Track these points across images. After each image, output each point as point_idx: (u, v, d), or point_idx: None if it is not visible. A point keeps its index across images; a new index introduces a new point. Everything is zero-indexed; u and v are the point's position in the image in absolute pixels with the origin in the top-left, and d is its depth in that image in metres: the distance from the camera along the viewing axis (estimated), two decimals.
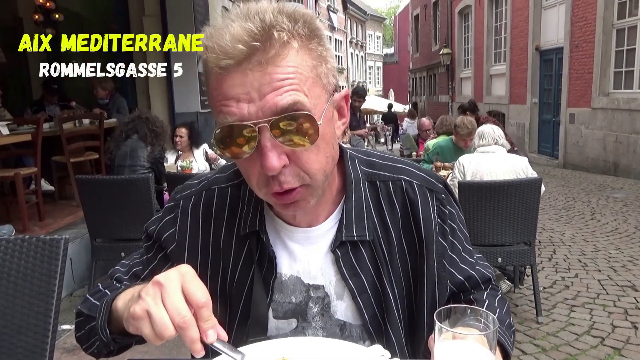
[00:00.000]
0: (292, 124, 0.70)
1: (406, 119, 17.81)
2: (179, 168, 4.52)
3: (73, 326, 0.95)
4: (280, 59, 0.69)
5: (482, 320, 0.60)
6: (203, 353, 0.64)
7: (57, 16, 7.04)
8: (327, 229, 0.89)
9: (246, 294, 0.89)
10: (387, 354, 0.78)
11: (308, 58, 0.72)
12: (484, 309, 0.73)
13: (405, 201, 0.89)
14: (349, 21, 37.98)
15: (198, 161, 4.70)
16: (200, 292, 0.65)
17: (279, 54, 0.69)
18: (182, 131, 4.80)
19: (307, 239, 0.89)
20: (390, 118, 19.08)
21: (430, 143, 5.56)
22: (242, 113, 0.70)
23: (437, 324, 0.59)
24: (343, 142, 3.94)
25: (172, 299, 0.64)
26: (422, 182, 0.91)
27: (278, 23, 0.70)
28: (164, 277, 0.67)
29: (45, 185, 5.53)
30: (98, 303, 0.85)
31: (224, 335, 0.67)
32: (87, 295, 0.93)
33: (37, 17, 7.05)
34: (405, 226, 0.89)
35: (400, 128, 17.54)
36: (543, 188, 3.38)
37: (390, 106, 20.15)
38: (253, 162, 0.74)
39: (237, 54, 0.68)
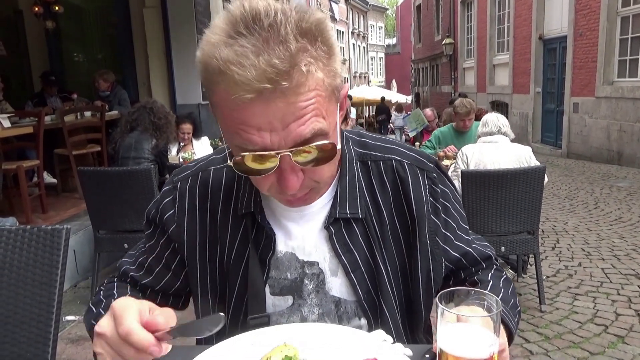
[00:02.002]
0: (313, 150, 0.71)
1: (394, 112, 18.33)
2: (181, 160, 4.53)
3: (77, 317, 0.96)
4: (303, 87, 0.68)
5: (486, 302, 0.59)
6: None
7: (57, 8, 7.03)
8: (321, 206, 0.90)
9: (242, 271, 0.91)
10: (390, 338, 0.78)
11: (326, 78, 0.71)
12: (487, 291, 0.73)
13: (396, 180, 0.91)
14: (350, 12, 37.75)
15: (197, 153, 4.71)
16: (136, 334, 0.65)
17: (302, 83, 0.67)
18: (188, 127, 4.80)
19: (302, 217, 0.90)
20: (383, 109, 19.34)
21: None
22: (264, 142, 0.69)
23: (440, 307, 0.59)
24: None
25: (120, 349, 0.65)
26: (412, 161, 0.92)
27: (304, 55, 0.67)
28: (104, 327, 0.67)
29: (48, 178, 5.56)
30: (93, 322, 0.86)
31: (168, 325, 0.66)
32: (90, 304, 0.95)
33: (37, 9, 7.04)
34: (397, 204, 0.90)
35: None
36: (546, 178, 3.37)
37: (382, 99, 20.31)
38: (267, 177, 0.75)
39: (261, 89, 0.65)
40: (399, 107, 19.00)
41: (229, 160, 0.74)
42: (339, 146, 0.74)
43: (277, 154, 0.69)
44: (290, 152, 0.70)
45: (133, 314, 0.66)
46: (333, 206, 0.88)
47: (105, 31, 7.74)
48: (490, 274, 0.95)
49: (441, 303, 0.59)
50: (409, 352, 0.75)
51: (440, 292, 0.62)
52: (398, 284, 0.91)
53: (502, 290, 0.91)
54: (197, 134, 4.89)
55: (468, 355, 0.57)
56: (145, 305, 0.70)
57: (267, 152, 0.69)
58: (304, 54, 0.67)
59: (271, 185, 0.76)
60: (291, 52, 0.65)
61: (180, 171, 0.99)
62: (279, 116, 0.67)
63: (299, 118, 0.68)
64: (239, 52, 0.65)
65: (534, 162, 3.50)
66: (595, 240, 4.85)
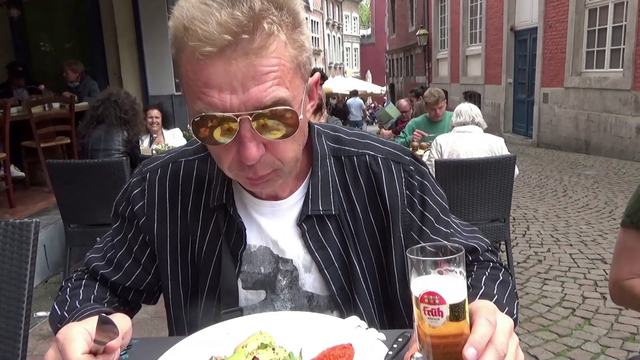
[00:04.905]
0: (274, 117, 0.70)
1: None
2: (154, 152, 4.47)
3: (48, 313, 0.94)
4: (265, 50, 0.67)
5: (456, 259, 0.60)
6: None
7: None
8: (293, 203, 0.89)
9: (214, 265, 0.90)
10: (364, 324, 0.79)
11: (291, 49, 0.71)
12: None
13: (369, 175, 0.90)
14: (325, 2, 37.59)
15: (170, 145, 4.65)
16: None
17: (264, 46, 0.67)
18: (156, 112, 4.75)
19: (273, 212, 0.89)
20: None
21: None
22: (224, 104, 0.68)
23: (409, 258, 0.60)
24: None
25: None
26: (386, 155, 0.91)
27: (268, 13, 0.67)
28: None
29: (15, 172, 5.39)
30: (59, 325, 0.85)
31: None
32: (55, 303, 0.92)
33: None
34: (371, 200, 0.90)
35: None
36: (517, 171, 3.44)
37: (355, 92, 20.31)
38: (228, 148, 0.73)
39: (222, 43, 0.65)
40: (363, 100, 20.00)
41: (188, 124, 0.72)
42: (301, 116, 0.72)
43: (237, 116, 0.68)
44: (250, 115, 0.69)
45: (78, 346, 0.66)
46: (305, 203, 0.87)
47: (74, 20, 7.51)
48: (484, 277, 0.88)
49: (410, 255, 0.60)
50: (382, 336, 0.77)
51: (409, 249, 0.62)
52: (374, 278, 0.90)
53: (496, 297, 0.83)
54: (167, 124, 4.83)
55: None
56: (93, 324, 0.70)
57: (227, 114, 0.68)
58: (268, 14, 0.67)
59: (232, 160, 0.75)
60: (255, 10, 0.66)
61: (149, 162, 0.96)
62: (239, 77, 0.67)
63: (260, 83, 0.68)
64: (204, 9, 0.66)
65: (505, 153, 3.58)
66: (564, 227, 5.01)
